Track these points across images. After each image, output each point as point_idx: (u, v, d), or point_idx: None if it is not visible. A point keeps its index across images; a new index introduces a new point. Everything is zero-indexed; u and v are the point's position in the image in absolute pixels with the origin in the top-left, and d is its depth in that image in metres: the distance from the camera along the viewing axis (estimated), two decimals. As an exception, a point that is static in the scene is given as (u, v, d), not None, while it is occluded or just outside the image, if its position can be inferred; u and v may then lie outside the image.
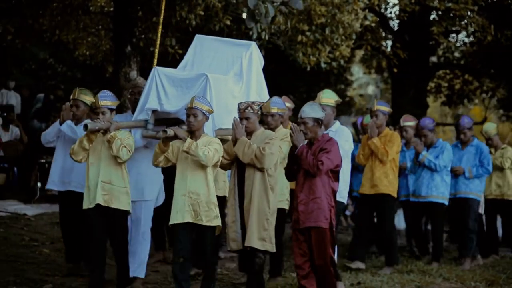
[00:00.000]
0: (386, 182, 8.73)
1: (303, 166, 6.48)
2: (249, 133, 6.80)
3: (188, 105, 6.54)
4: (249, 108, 6.76)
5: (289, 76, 17.78)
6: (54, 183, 7.75)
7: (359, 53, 20.73)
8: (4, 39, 14.17)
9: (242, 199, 6.73)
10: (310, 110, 6.58)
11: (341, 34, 11.29)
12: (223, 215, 7.24)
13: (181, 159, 6.58)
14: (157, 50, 7.58)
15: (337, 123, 7.97)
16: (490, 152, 10.26)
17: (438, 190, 9.38)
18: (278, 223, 7.06)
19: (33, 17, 12.43)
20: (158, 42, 7.65)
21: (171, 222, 6.55)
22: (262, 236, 6.62)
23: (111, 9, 13.13)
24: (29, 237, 9.49)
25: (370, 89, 31.92)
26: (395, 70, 15.41)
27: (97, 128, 6.78)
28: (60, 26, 12.77)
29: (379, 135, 8.74)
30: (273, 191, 6.71)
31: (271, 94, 8.13)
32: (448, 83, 19.04)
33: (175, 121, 7.07)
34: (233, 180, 6.82)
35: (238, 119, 6.77)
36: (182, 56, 12.78)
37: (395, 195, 8.91)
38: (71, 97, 7.69)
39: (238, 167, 6.78)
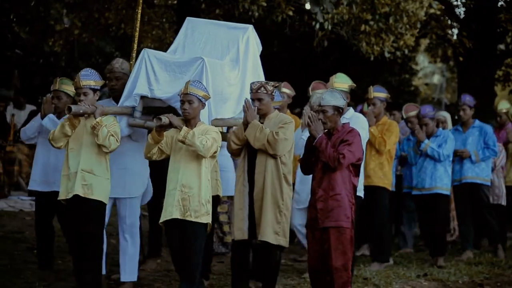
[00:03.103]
0: (381, 174, 8.27)
1: (321, 159, 5.84)
2: (261, 116, 6.25)
3: (182, 91, 5.92)
4: (262, 88, 6.20)
5: (352, 66, 17.65)
6: (36, 183, 7.06)
7: (424, 42, 20.44)
8: (71, 33, 14.47)
9: (251, 187, 6.21)
10: (330, 98, 5.92)
11: (406, 23, 11.13)
12: (214, 215, 6.36)
13: (175, 150, 5.97)
14: (136, 34, 6.98)
15: (351, 109, 7.45)
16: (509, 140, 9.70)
17: (442, 181, 8.67)
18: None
19: (99, 12, 12.67)
20: (137, 24, 6.97)
21: (161, 220, 5.97)
22: (275, 230, 6.12)
23: (175, 1, 13.27)
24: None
25: (436, 78, 31.45)
26: (461, 58, 15.13)
27: (81, 111, 6.10)
28: (125, 20, 12.97)
29: (377, 123, 8.30)
30: (287, 181, 6.21)
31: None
32: (516, 71, 18.57)
33: (164, 111, 6.36)
34: (243, 166, 6.26)
35: (250, 100, 6.21)
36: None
37: (390, 188, 8.44)
38: (52, 87, 7.04)
39: (248, 152, 6.24)
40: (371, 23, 11.02)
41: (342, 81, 7.16)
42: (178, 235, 5.90)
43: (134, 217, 6.70)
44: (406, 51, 12.18)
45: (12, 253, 8.09)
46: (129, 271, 6.66)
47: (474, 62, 15.65)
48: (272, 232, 6.09)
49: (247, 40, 6.90)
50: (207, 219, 5.91)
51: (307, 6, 10.83)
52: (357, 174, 5.98)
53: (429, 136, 8.70)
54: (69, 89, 6.93)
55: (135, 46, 6.93)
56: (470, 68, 15.89)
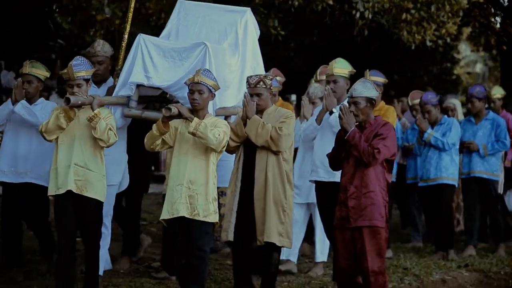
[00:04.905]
0: None
1: (354, 153, 5.48)
2: (260, 111, 5.94)
3: (192, 80, 5.57)
4: (261, 82, 5.90)
5: (393, 54, 17.53)
6: (4, 174, 6.49)
7: (467, 30, 20.18)
8: (112, 23, 14.57)
9: (245, 186, 5.91)
10: (362, 88, 5.56)
11: (448, 11, 11.01)
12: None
13: (181, 142, 5.64)
14: (130, 14, 6.68)
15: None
16: None
17: (448, 171, 8.18)
18: None
19: (139, 1, 12.72)
20: (131, 8, 6.70)
21: (162, 217, 5.65)
22: (279, 231, 5.84)
23: (215, -9, 13.28)
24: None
25: (478, 67, 31.07)
26: (505, 47, 14.95)
27: (79, 103, 5.73)
28: (166, 10, 13.02)
29: (373, 109, 8.06)
30: (289, 179, 5.93)
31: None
32: (562, 60, 18.24)
33: (156, 99, 6.11)
34: (238, 163, 5.95)
35: (249, 95, 5.89)
36: (284, 38, 12.85)
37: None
38: (21, 71, 6.50)
39: (245, 149, 5.93)
40: (413, 11, 10.92)
41: (342, 67, 6.74)
42: (183, 233, 5.62)
43: (109, 206, 6.34)
44: (448, 40, 12.06)
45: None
46: (106, 263, 6.46)
47: (517, 50, 15.45)
48: (277, 233, 5.84)
49: (245, 24, 6.50)
50: (214, 218, 5.65)
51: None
52: (390, 171, 5.66)
53: (433, 124, 8.30)
54: (40, 73, 6.49)
55: (128, 27, 6.60)
56: (514, 56, 15.69)
